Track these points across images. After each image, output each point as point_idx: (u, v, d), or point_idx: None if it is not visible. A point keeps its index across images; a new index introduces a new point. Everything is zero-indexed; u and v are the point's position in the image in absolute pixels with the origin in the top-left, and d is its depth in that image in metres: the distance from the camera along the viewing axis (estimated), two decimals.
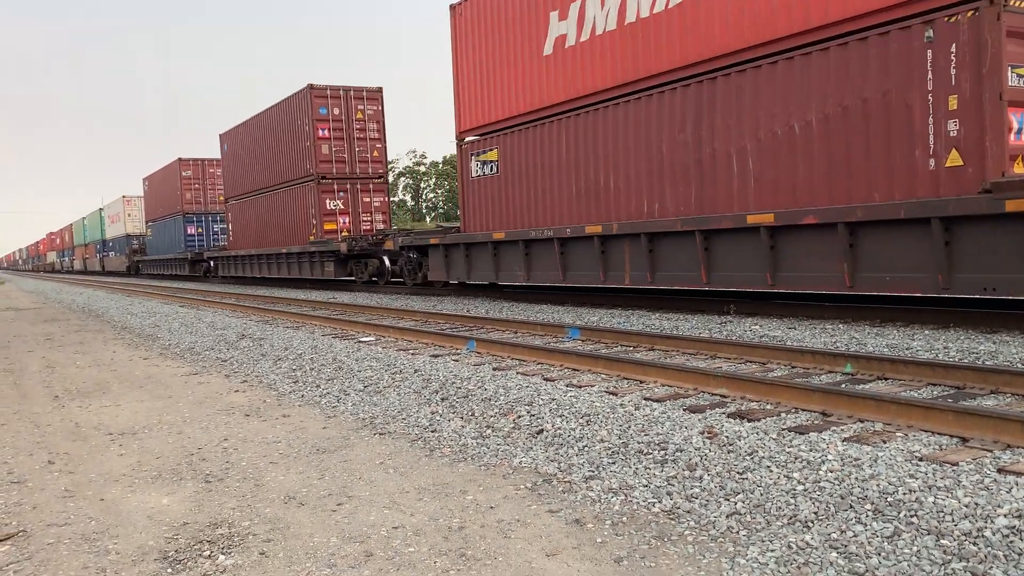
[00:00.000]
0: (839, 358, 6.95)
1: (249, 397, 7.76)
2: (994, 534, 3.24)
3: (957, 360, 7.00)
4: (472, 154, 17.05)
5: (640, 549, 3.60)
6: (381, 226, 26.02)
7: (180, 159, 40.11)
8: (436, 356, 9.07)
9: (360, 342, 10.76)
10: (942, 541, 3.27)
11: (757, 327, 9.87)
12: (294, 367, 9.07)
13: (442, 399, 6.73)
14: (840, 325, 9.66)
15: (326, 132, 25.47)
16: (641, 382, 6.88)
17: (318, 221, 25.43)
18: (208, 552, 3.80)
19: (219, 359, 10.43)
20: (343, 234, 25.31)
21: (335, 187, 25.66)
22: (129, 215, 52.66)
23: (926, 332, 8.73)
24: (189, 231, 40.02)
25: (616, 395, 6.34)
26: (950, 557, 3.16)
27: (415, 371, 7.86)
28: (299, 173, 26.42)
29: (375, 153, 26.39)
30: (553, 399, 6.15)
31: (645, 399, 6.13)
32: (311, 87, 25.26)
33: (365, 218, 26.11)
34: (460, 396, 6.68)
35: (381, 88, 26.54)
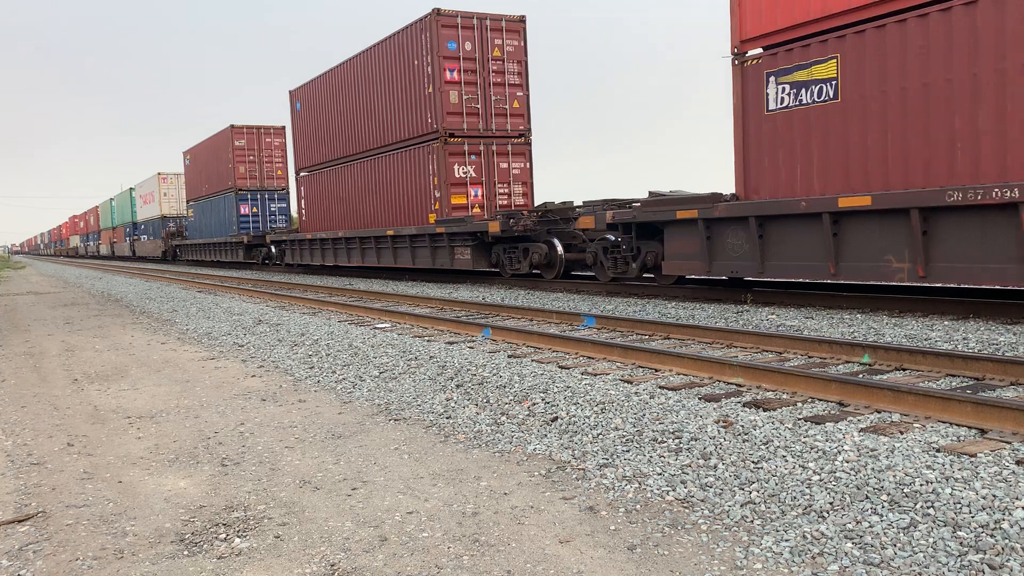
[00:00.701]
0: (857, 348, 6.90)
1: (265, 382, 7.80)
2: (1012, 526, 3.21)
3: (976, 351, 6.94)
4: (772, 74, 10.77)
5: (653, 537, 3.60)
6: (522, 200, 20.18)
7: (232, 126, 34.07)
8: (451, 343, 9.09)
9: (376, 328, 10.79)
10: (959, 533, 3.25)
11: (774, 316, 9.82)
12: (310, 353, 9.12)
13: (457, 386, 6.74)
14: (858, 315, 9.59)
15: (455, 75, 19.18)
16: (656, 370, 6.86)
17: (443, 193, 19.20)
18: (224, 535, 3.84)
19: (236, 344, 10.50)
20: (496, 210, 19.30)
21: (466, 148, 19.30)
22: (165, 194, 47.98)
23: (945, 323, 8.65)
24: (243, 210, 33.97)
25: (631, 383, 6.33)
26: (967, 549, 3.14)
27: (430, 358, 7.88)
28: (416, 131, 20.19)
29: (516, 104, 19.93)
30: (568, 387, 6.15)
31: (660, 387, 6.12)
32: (437, 12, 18.81)
33: (502, 189, 19.91)
34: (475, 383, 6.69)
35: (524, 17, 19.98)
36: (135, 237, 57.27)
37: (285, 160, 34.63)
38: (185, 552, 3.66)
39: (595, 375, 6.76)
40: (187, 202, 43.07)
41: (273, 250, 30.52)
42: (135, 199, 56.53)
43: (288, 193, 34.29)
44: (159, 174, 48.50)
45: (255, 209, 34.23)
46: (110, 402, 7.19)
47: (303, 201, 27.80)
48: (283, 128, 34.58)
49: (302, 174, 27.74)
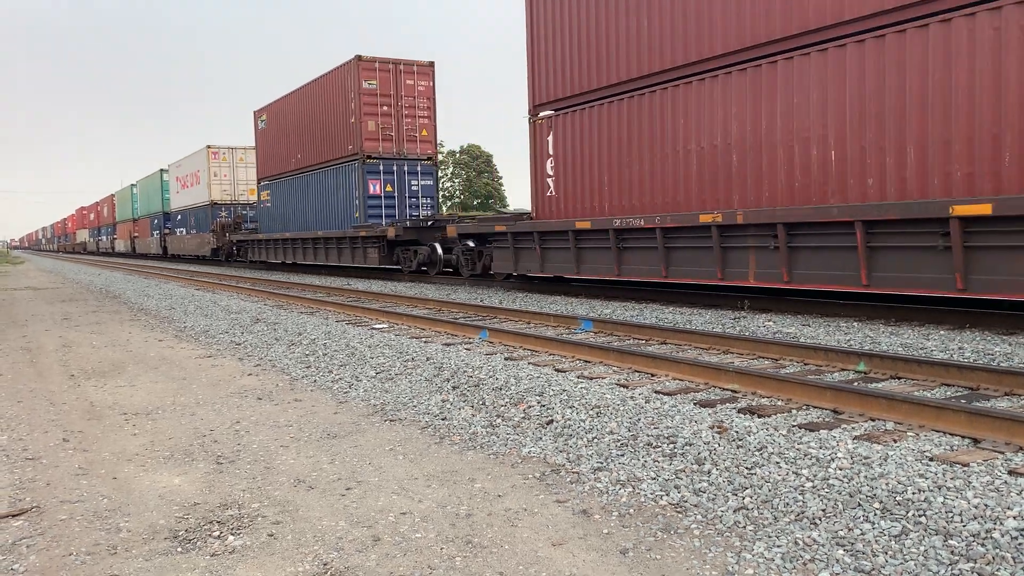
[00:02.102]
0: (852, 356, 6.91)
1: (262, 381, 7.81)
2: (1003, 536, 3.23)
3: (972, 361, 6.96)
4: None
5: (646, 541, 3.61)
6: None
7: (360, 57, 23.43)
8: (448, 345, 9.10)
9: (373, 329, 10.80)
10: (950, 541, 3.26)
11: (771, 323, 9.84)
12: (307, 352, 9.12)
13: (453, 387, 6.75)
14: (855, 323, 9.61)
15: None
16: (652, 375, 6.87)
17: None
18: (218, 532, 3.84)
19: (233, 342, 10.50)
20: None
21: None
22: (216, 175, 38.28)
23: (941, 332, 8.67)
24: (373, 188, 23.72)
25: (627, 388, 6.34)
26: (957, 558, 3.15)
27: (427, 359, 7.88)
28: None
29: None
30: (564, 390, 6.16)
31: (656, 392, 6.13)
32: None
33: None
34: (471, 385, 6.70)
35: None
36: (167, 230, 47.38)
37: (433, 114, 24.65)
38: (179, 549, 3.67)
39: (591, 379, 6.77)
40: (259, 182, 32.96)
41: (439, 251, 20.77)
42: (167, 183, 46.88)
43: (435, 165, 25.02)
44: (209, 148, 38.10)
45: (389, 187, 24.06)
46: (106, 398, 7.19)
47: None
48: (431, 65, 24.50)
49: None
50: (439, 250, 20.56)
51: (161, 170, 48.23)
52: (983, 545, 3.20)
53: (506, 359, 7.92)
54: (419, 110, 24.02)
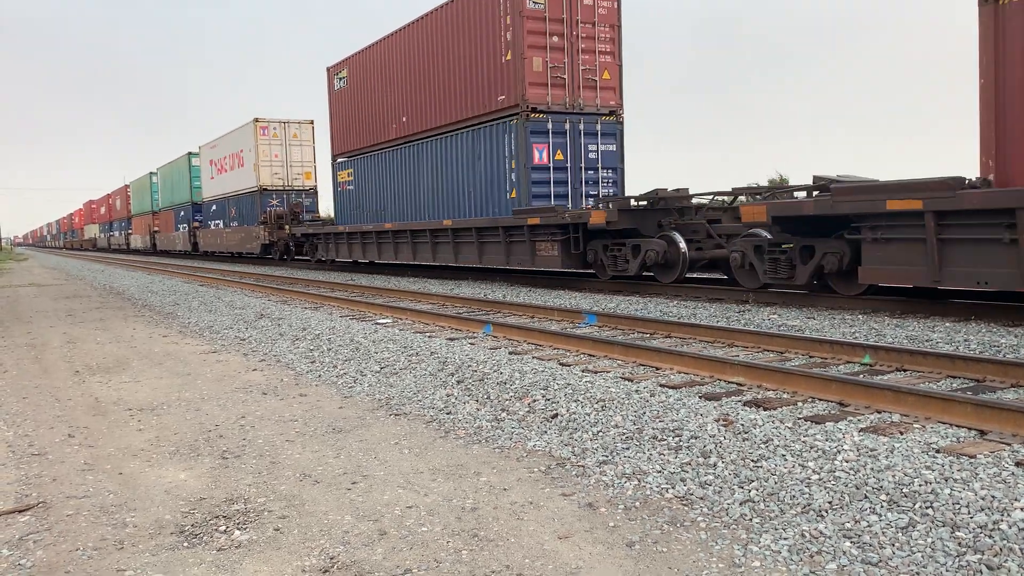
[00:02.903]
0: (858, 348, 6.90)
1: (267, 376, 7.82)
2: (1010, 527, 3.22)
3: (978, 353, 6.94)
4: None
5: (652, 534, 3.61)
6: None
7: None
8: (453, 339, 9.09)
9: (377, 324, 10.80)
10: (957, 533, 3.25)
11: (776, 316, 9.82)
12: (312, 347, 9.13)
13: (458, 382, 6.75)
14: (860, 315, 9.59)
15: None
16: (657, 369, 6.87)
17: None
18: (224, 527, 3.85)
19: (238, 338, 10.51)
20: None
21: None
22: (265, 155, 31.56)
23: (947, 324, 8.65)
24: (539, 158, 16.35)
25: (632, 381, 6.33)
26: (965, 549, 3.14)
27: (431, 353, 7.88)
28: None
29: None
30: (568, 384, 6.15)
31: (661, 386, 6.12)
32: None
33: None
34: (476, 379, 6.70)
35: None
36: (196, 223, 40.74)
37: (617, 48, 16.89)
38: (185, 544, 3.67)
39: (596, 372, 6.76)
40: (334, 160, 25.25)
41: (682, 246, 13.78)
42: (197, 169, 40.33)
43: (620, 122, 17.19)
44: (257, 121, 31.50)
45: (560, 155, 16.55)
46: (111, 394, 7.20)
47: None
48: None
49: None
50: (681, 244, 13.44)
51: (189, 153, 40.91)
52: (990, 536, 3.19)
53: (510, 353, 7.92)
54: (600, 42, 16.48)
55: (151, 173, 51.08)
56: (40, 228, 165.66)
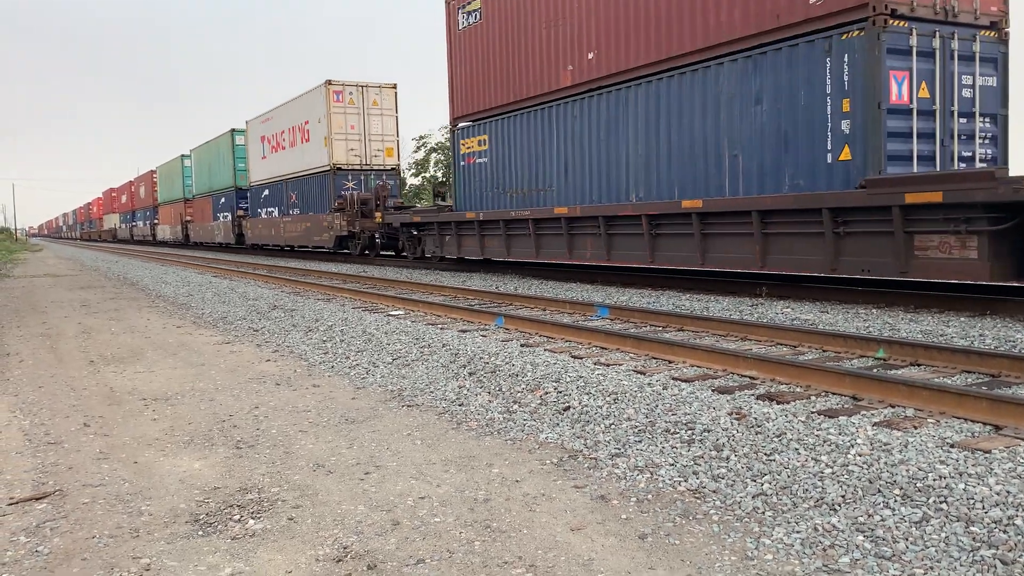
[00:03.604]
0: (871, 343, 6.87)
1: (280, 366, 7.85)
2: None
3: (993, 348, 6.89)
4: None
5: (665, 526, 3.61)
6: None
7: None
8: (464, 331, 9.11)
9: (389, 315, 10.83)
10: (971, 528, 3.24)
11: (789, 310, 9.79)
12: (324, 338, 9.16)
13: (470, 374, 6.76)
14: (873, 310, 9.55)
15: None
16: (670, 362, 6.85)
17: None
18: (238, 516, 3.87)
19: (251, 329, 10.56)
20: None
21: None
22: (340, 127, 25.94)
23: (962, 319, 8.60)
24: (896, 94, 9.98)
25: (644, 374, 6.33)
26: (979, 544, 3.13)
27: (443, 345, 7.90)
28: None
29: None
30: (580, 376, 6.15)
31: (673, 379, 6.12)
32: None
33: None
34: (488, 371, 6.71)
35: None
36: (240, 211, 35.58)
37: None
38: (200, 532, 3.70)
39: (608, 365, 6.76)
40: (454, 125, 19.15)
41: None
42: (243, 149, 35.09)
43: (1006, 37, 10.84)
44: (329, 84, 25.73)
45: (925, 90, 10.31)
46: (126, 384, 7.25)
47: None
48: None
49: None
50: None
51: (233, 131, 35.69)
52: (1005, 532, 3.18)
53: (522, 345, 7.92)
54: None
55: (183, 156, 45.18)
56: (56, 219, 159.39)
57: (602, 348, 7.68)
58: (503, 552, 3.40)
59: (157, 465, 4.77)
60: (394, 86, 27.07)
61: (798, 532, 3.42)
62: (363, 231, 24.76)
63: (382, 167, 27.03)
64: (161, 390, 6.93)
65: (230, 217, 37.31)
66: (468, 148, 18.66)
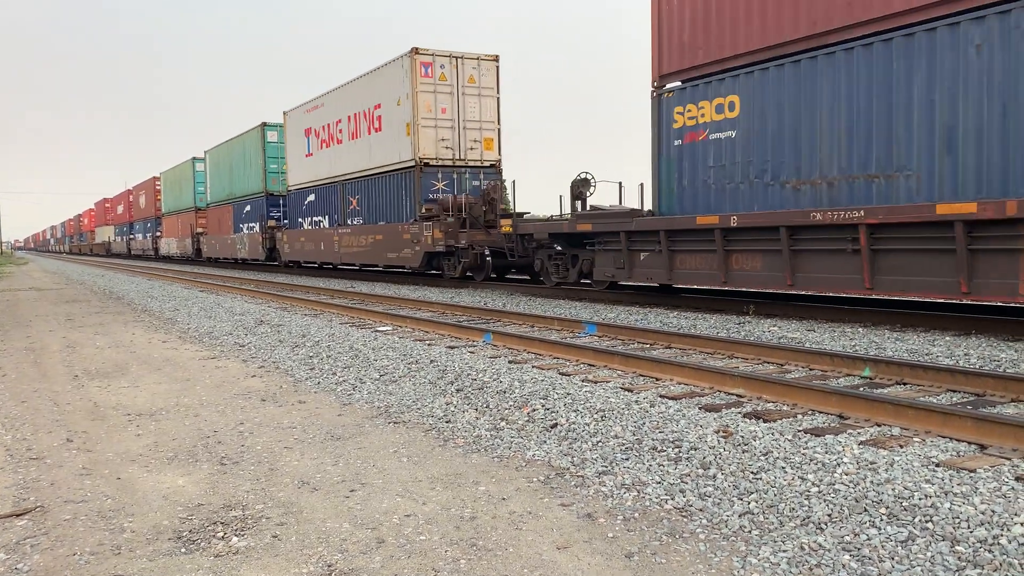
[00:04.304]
0: (858, 361, 6.89)
1: (266, 382, 7.81)
2: (1010, 542, 3.21)
3: (978, 367, 6.93)
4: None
5: (651, 545, 3.60)
6: None
7: None
8: (452, 347, 9.09)
9: (377, 331, 10.80)
10: (957, 547, 3.24)
11: (776, 328, 9.82)
12: (311, 354, 9.12)
13: (457, 390, 6.74)
14: (860, 329, 9.59)
15: None
16: (657, 379, 6.86)
17: None
18: (222, 533, 3.84)
19: (237, 344, 10.50)
20: None
21: None
22: (427, 106, 20.03)
23: (947, 338, 8.65)
24: None
25: (631, 391, 6.33)
26: (964, 564, 3.13)
27: (431, 361, 7.88)
28: None
29: None
30: (568, 393, 6.14)
31: (661, 396, 6.12)
32: None
33: None
34: (475, 388, 6.69)
35: None
36: (272, 221, 29.93)
37: None
38: (182, 550, 3.66)
39: (595, 382, 6.76)
40: (659, 85, 12.96)
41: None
42: (276, 147, 30.10)
43: None
44: (416, 54, 19.89)
45: None
46: (110, 399, 7.19)
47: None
48: None
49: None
50: None
51: (264, 125, 30.08)
52: (990, 551, 3.18)
53: (510, 362, 7.91)
54: None
55: (194, 159, 40.35)
56: (43, 231, 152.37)
57: (590, 365, 7.68)
58: (488, 571, 3.38)
59: (140, 481, 4.73)
60: (495, 58, 20.87)
61: (784, 551, 3.41)
62: (470, 246, 18.30)
63: (479, 163, 20.83)
64: (145, 405, 6.88)
65: (257, 228, 31.35)
66: (692, 119, 12.62)
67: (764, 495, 3.97)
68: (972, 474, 4.00)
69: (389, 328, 11.29)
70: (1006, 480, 3.90)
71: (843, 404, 5.42)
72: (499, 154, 21.24)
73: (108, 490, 4.56)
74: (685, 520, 3.85)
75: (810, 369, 7.16)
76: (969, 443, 4.63)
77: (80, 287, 24.96)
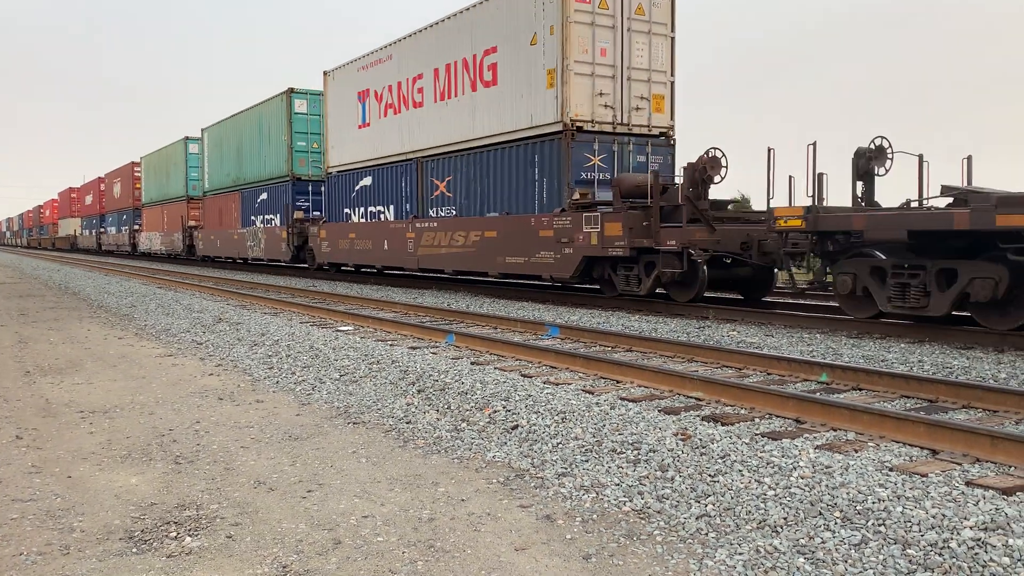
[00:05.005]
0: (815, 367, 6.98)
1: (223, 381, 7.70)
2: (959, 545, 3.27)
3: (931, 374, 7.06)
4: None
5: (609, 547, 3.60)
6: None
7: None
8: (415, 348, 9.04)
9: (338, 331, 10.71)
10: (908, 551, 3.29)
11: (735, 333, 9.92)
12: (270, 353, 9.01)
13: (418, 391, 6.71)
14: (817, 335, 9.72)
15: None
16: (618, 382, 6.89)
17: None
18: (175, 533, 3.77)
19: (195, 342, 10.35)
20: None
21: None
22: (580, 44, 13.67)
23: (902, 345, 8.80)
24: None
25: (592, 394, 6.34)
26: (915, 567, 3.18)
27: (392, 362, 7.83)
28: None
29: None
30: (530, 395, 6.14)
31: (621, 399, 6.14)
32: None
33: None
34: (437, 389, 6.66)
35: None
36: (299, 212, 24.16)
37: None
38: (134, 550, 3.59)
39: (557, 384, 6.76)
40: None
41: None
42: (304, 120, 24.51)
43: None
44: None
45: None
46: (63, 396, 7.04)
47: None
48: None
49: None
50: None
51: (291, 92, 24.24)
52: (940, 555, 3.24)
53: (472, 363, 7.89)
54: None
55: (187, 139, 34.67)
56: None
57: (552, 367, 7.69)
58: (446, 572, 3.36)
59: (92, 480, 4.63)
60: None
61: (740, 554, 3.44)
62: (683, 249, 12.08)
63: (645, 130, 14.72)
64: (99, 403, 6.74)
65: (277, 222, 25.29)
66: None
67: (721, 498, 4.00)
68: (924, 479, 4.07)
69: (351, 328, 11.21)
70: (956, 485, 3.97)
71: (800, 408, 5.49)
72: (671, 118, 15.04)
73: (58, 489, 4.46)
74: (643, 522, 3.87)
75: (768, 373, 7.24)
76: (922, 448, 4.72)
77: (34, 282, 24.44)
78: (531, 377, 7.15)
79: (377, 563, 3.44)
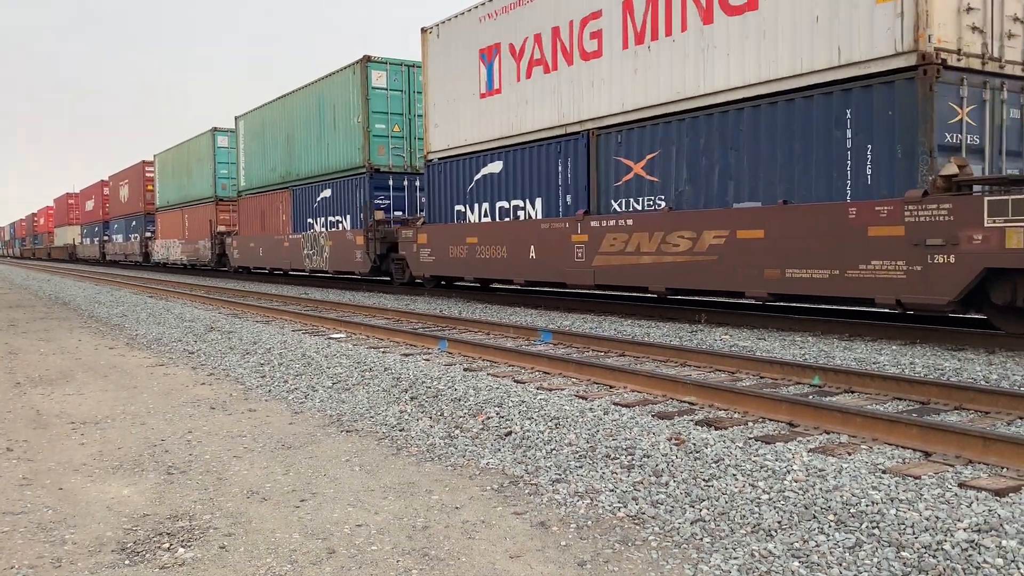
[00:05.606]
0: (807, 370, 7.00)
1: (215, 390, 7.67)
2: (953, 547, 3.28)
3: (923, 376, 7.08)
4: None
5: (604, 553, 3.60)
6: None
7: None
8: (407, 355, 9.03)
9: (331, 339, 10.68)
10: (903, 553, 3.30)
11: (727, 337, 9.93)
12: (262, 362, 8.99)
13: (411, 398, 6.70)
14: (810, 338, 9.74)
15: None
16: (611, 387, 6.89)
17: None
18: (168, 544, 3.75)
19: (186, 351, 10.31)
20: None
21: None
22: None
23: (893, 347, 8.83)
24: None
25: (586, 399, 6.34)
26: (910, 569, 3.19)
27: (385, 369, 7.81)
28: None
29: None
30: (523, 401, 6.14)
31: (614, 404, 6.14)
32: None
33: None
34: (430, 396, 6.65)
35: None
36: (379, 213, 19.80)
37: None
38: (126, 561, 3.57)
39: (550, 390, 6.76)
40: None
41: None
42: (381, 99, 20.09)
43: None
44: None
45: None
46: (53, 406, 7.00)
47: None
48: None
49: None
50: None
51: (367, 60, 19.87)
52: (934, 556, 3.24)
53: (465, 370, 7.88)
54: None
55: (215, 131, 30.20)
56: None
57: (545, 373, 7.69)
58: None
59: (84, 491, 4.60)
60: None
61: (735, 558, 3.44)
62: None
63: (1021, 68, 9.65)
64: (90, 413, 6.70)
65: (347, 224, 20.99)
66: None
67: (715, 502, 4.00)
68: (917, 481, 4.08)
69: (343, 335, 11.19)
70: (950, 486, 3.98)
71: (793, 412, 5.50)
72: None
73: (49, 501, 4.44)
74: (638, 528, 3.86)
75: (761, 377, 7.25)
76: (914, 450, 4.73)
77: (24, 292, 24.33)
78: (524, 383, 7.14)
79: (371, 572, 3.43)
